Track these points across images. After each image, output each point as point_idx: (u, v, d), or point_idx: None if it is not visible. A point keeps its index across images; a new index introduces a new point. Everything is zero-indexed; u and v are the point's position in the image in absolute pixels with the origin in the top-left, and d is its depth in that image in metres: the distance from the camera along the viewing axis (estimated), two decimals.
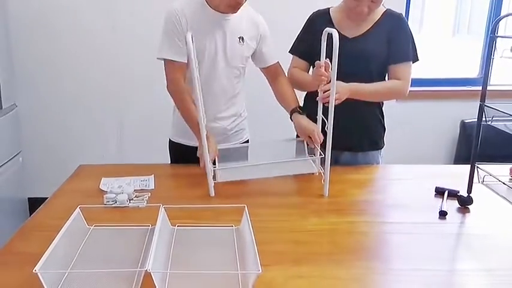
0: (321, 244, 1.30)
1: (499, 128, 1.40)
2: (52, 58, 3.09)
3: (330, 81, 1.56)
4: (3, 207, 2.69)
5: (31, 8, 3.00)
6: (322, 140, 1.67)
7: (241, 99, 2.00)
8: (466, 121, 3.19)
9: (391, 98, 1.90)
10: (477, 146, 1.47)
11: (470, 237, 1.37)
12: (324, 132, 1.59)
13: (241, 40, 1.82)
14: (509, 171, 1.73)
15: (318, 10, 1.93)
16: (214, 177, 1.63)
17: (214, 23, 1.77)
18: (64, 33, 3.05)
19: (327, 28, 1.62)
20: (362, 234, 1.37)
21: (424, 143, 3.30)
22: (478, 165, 1.48)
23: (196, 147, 1.74)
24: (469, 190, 1.51)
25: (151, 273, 1.00)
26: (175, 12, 1.72)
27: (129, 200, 1.55)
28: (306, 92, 1.98)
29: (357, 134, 1.91)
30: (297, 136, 2.03)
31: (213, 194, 1.60)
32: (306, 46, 1.88)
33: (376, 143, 1.97)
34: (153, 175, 1.78)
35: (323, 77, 1.62)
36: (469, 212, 1.50)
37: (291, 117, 1.83)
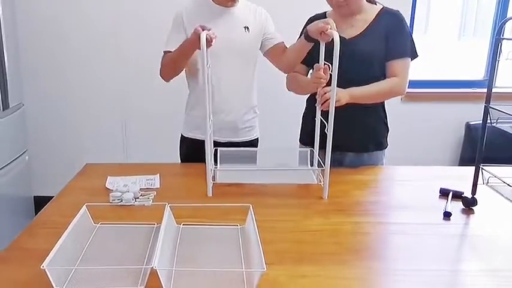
0: (325, 244, 1.30)
1: (504, 129, 1.41)
2: (58, 57, 3.12)
3: (328, 85, 1.57)
4: (9, 205, 2.71)
5: (38, 8, 3.02)
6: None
7: (251, 93, 2.02)
8: (471, 123, 3.18)
9: (390, 97, 1.90)
10: (482, 147, 1.47)
11: (474, 238, 1.37)
12: (325, 134, 1.58)
13: (246, 29, 1.88)
14: None
15: (315, 14, 1.93)
16: (214, 178, 1.64)
17: (218, 16, 1.85)
18: (70, 32, 3.08)
19: (327, 31, 1.62)
20: (366, 235, 1.37)
21: (429, 145, 3.30)
22: (483, 167, 1.48)
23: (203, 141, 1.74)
24: (474, 191, 1.51)
25: (157, 271, 1.02)
26: (180, 9, 1.88)
27: (135, 199, 1.56)
28: (307, 96, 1.99)
29: (361, 134, 1.91)
30: (300, 141, 2.05)
31: (210, 194, 1.61)
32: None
33: (381, 143, 1.97)
34: (158, 174, 1.79)
35: (322, 80, 1.62)
36: (473, 213, 1.51)
37: (306, 37, 1.71)
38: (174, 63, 1.87)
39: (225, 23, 1.86)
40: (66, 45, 3.10)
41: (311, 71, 1.90)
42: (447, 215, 1.46)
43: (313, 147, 1.79)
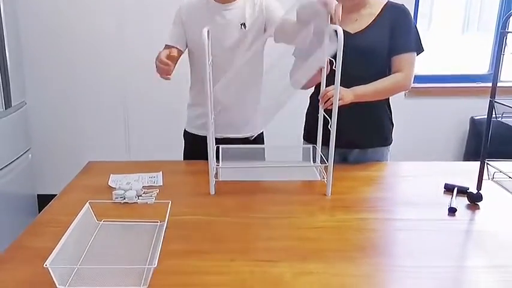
0: (330, 241, 1.29)
1: (509, 124, 1.39)
2: (61, 56, 3.12)
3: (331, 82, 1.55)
4: (12, 204, 2.71)
5: (40, 6, 3.02)
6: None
7: (255, 88, 1.99)
8: (476, 117, 3.17)
9: (396, 93, 1.88)
10: (487, 142, 1.45)
11: (480, 234, 1.36)
12: (329, 131, 1.56)
13: (242, 26, 1.85)
14: None
15: None
16: (216, 176, 1.63)
17: (214, 13, 1.84)
18: (73, 30, 3.07)
19: (332, 25, 1.60)
20: (371, 231, 1.36)
21: (434, 140, 3.28)
22: (488, 162, 1.47)
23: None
24: (479, 187, 1.50)
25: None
26: (180, 7, 1.89)
27: (138, 197, 1.55)
28: (311, 93, 1.97)
29: (366, 130, 1.90)
30: (304, 138, 2.03)
31: (213, 192, 1.60)
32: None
33: (386, 139, 1.96)
34: (161, 172, 1.79)
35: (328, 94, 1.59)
36: (478, 208, 1.49)
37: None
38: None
39: (220, 20, 1.84)
40: (69, 43, 3.09)
41: None
42: (452, 211, 1.45)
43: (316, 144, 1.78)
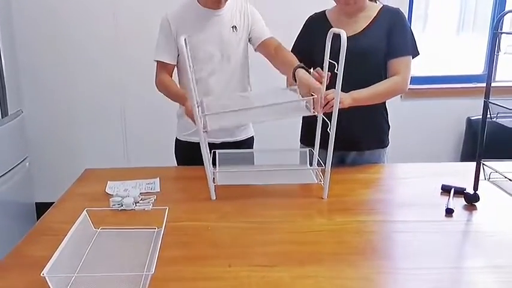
0: (328, 244, 1.29)
1: (505, 124, 1.40)
2: (57, 64, 3.12)
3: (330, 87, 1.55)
4: (10, 212, 2.70)
5: (36, 13, 3.02)
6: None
7: (245, 83, 2.01)
8: (472, 118, 3.17)
9: (392, 96, 1.89)
10: (482, 143, 1.46)
11: (477, 235, 1.36)
12: (327, 133, 1.56)
13: (234, 29, 1.87)
14: None
15: (314, 13, 1.92)
16: (213, 180, 1.62)
17: (205, 20, 1.85)
18: (70, 38, 3.07)
19: (334, 29, 1.60)
20: (369, 234, 1.36)
21: (430, 141, 3.29)
22: (484, 162, 1.47)
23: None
24: (475, 187, 1.50)
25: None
26: (166, 17, 1.87)
27: (135, 203, 1.55)
28: None
29: (363, 132, 1.90)
30: (301, 141, 2.04)
31: (214, 197, 1.60)
32: (305, 52, 1.84)
33: (383, 141, 1.97)
34: (158, 178, 1.79)
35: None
36: (475, 209, 1.49)
37: (294, 75, 1.62)
38: (170, 98, 1.92)
39: (213, 26, 1.85)
40: (65, 51, 3.09)
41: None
42: (449, 212, 1.45)
43: (313, 147, 1.78)
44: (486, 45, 3.29)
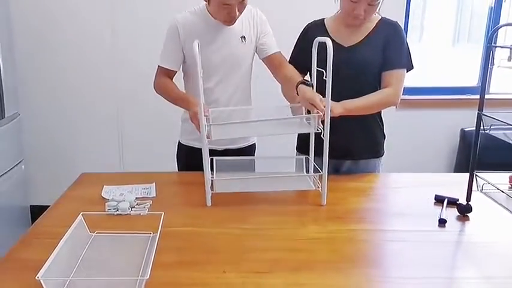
0: (321, 252, 1.30)
1: (497, 136, 1.41)
2: (54, 67, 3.12)
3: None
4: (6, 215, 2.70)
5: (34, 17, 3.03)
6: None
7: (248, 101, 2.03)
8: (466, 129, 3.20)
9: (383, 108, 1.91)
10: (475, 154, 1.48)
11: (469, 245, 1.38)
12: (322, 141, 1.57)
13: (243, 39, 1.88)
14: (508, 180, 1.74)
15: (313, 21, 1.94)
16: (212, 188, 1.63)
17: (215, 30, 1.85)
18: (66, 42, 3.08)
19: (319, 37, 1.63)
20: (362, 242, 1.37)
21: (425, 151, 3.31)
22: (477, 174, 1.49)
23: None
24: (468, 198, 1.52)
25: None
26: (175, 22, 1.85)
27: (131, 208, 1.56)
28: None
29: (358, 142, 1.92)
30: (297, 149, 2.05)
31: (209, 203, 1.61)
32: (302, 58, 1.85)
33: (377, 151, 1.98)
34: (154, 183, 1.79)
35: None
36: (468, 220, 1.51)
37: (296, 89, 1.68)
38: (168, 100, 1.91)
39: (222, 37, 1.86)
40: (62, 54, 3.10)
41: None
42: (442, 222, 1.47)
43: (309, 155, 1.80)
44: (481, 57, 3.32)
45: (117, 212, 1.52)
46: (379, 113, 1.96)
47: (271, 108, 1.74)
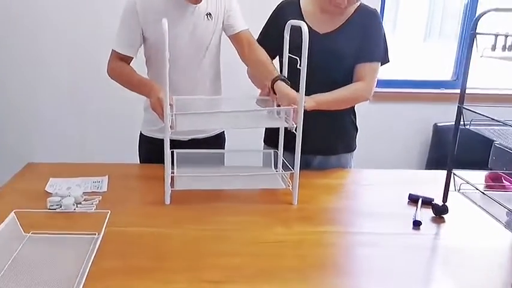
0: (286, 258, 1.18)
1: (480, 132, 1.31)
2: (9, 53, 2.89)
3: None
4: None
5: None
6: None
7: (217, 84, 1.88)
8: (439, 124, 3.13)
9: (355, 103, 1.81)
10: (454, 151, 1.38)
11: (445, 251, 1.28)
12: (291, 134, 1.46)
13: (208, 16, 1.71)
14: (484, 179, 1.65)
15: (286, 0, 1.80)
16: (172, 184, 1.48)
17: (179, 11, 1.67)
18: (22, 20, 2.86)
19: (292, 21, 1.49)
20: (331, 247, 1.26)
21: (397, 146, 3.24)
22: (455, 172, 1.39)
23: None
24: (445, 199, 1.42)
25: None
26: (134, 4, 1.66)
27: (76, 204, 1.40)
28: None
29: (330, 136, 1.81)
30: (265, 142, 1.92)
31: (168, 202, 1.46)
32: (273, 40, 1.72)
33: (349, 145, 1.89)
34: (107, 176, 1.64)
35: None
36: (444, 221, 1.41)
37: (272, 86, 1.56)
38: (125, 86, 1.74)
39: (187, 18, 1.69)
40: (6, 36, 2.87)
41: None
42: (417, 224, 1.37)
43: (278, 149, 1.67)
44: (453, 51, 3.25)
45: (60, 209, 1.36)
46: (353, 106, 1.85)
47: (241, 98, 1.62)
